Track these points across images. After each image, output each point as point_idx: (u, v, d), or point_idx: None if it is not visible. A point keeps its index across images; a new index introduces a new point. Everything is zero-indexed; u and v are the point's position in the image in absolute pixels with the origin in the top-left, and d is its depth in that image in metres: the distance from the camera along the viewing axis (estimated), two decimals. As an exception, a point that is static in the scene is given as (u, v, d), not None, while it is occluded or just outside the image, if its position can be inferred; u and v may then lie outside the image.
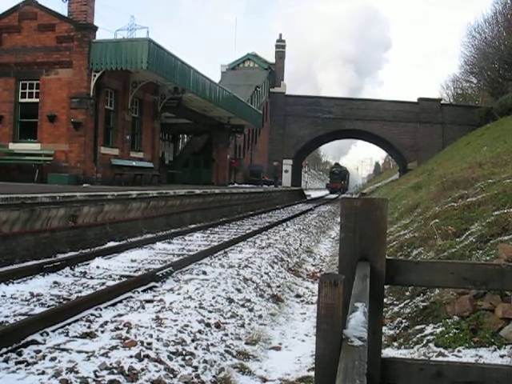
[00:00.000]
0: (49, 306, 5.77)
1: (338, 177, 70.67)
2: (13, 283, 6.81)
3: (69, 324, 5.09)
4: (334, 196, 57.18)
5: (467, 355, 4.18)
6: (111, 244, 10.73)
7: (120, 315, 5.49)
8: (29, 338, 4.52)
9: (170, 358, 4.31)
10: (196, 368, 4.29)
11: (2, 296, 6.14)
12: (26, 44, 17.96)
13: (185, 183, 27.33)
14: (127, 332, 4.73)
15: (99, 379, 3.78)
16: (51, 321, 4.94)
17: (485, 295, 4.67)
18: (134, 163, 20.24)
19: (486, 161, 13.86)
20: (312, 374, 4.33)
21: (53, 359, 4.11)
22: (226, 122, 30.66)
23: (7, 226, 8.60)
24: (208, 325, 5.31)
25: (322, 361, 1.74)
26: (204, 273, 7.98)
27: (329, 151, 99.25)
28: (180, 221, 15.82)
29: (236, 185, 33.54)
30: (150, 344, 4.46)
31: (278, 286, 7.97)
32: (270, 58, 49.41)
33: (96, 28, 17.76)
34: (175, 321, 5.16)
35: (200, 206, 17.73)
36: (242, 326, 5.71)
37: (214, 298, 6.28)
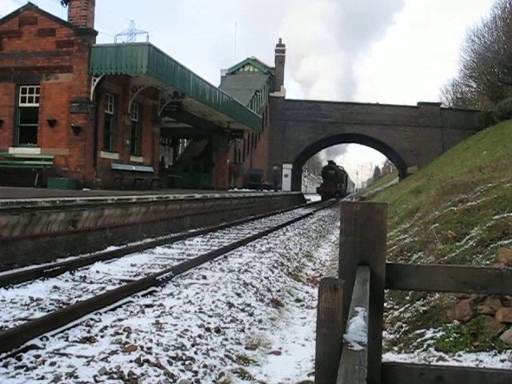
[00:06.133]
0: (48, 311, 5.76)
1: (334, 178, 54.31)
2: (12, 288, 6.80)
3: (68, 329, 5.08)
4: (333, 199, 52.90)
5: (468, 360, 4.17)
6: (111, 248, 10.72)
7: (120, 320, 5.48)
8: (28, 343, 4.51)
9: (170, 363, 4.30)
10: (196, 373, 4.28)
11: (2, 301, 6.13)
12: (26, 49, 17.99)
13: (185, 188, 27.32)
14: (127, 337, 4.72)
15: (99, 384, 3.77)
16: (51, 325, 4.93)
17: (485, 299, 4.66)
18: (133, 168, 20.25)
19: (486, 165, 13.87)
20: (312, 378, 4.32)
21: (52, 364, 4.10)
22: (225, 126, 30.69)
23: (7, 230, 8.60)
24: (208, 329, 5.30)
25: (322, 365, 1.74)
26: (204, 277, 7.98)
27: (322, 151, 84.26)
28: (180, 225, 15.82)
29: (236, 189, 33.53)
30: (149, 349, 4.45)
31: (278, 291, 7.96)
32: (270, 62, 49.54)
33: (96, 33, 17.80)
34: (175, 325, 5.15)
35: (200, 210, 17.73)
36: (242, 330, 5.71)
37: (213, 302, 6.27)
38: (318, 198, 56.96)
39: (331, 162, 58.96)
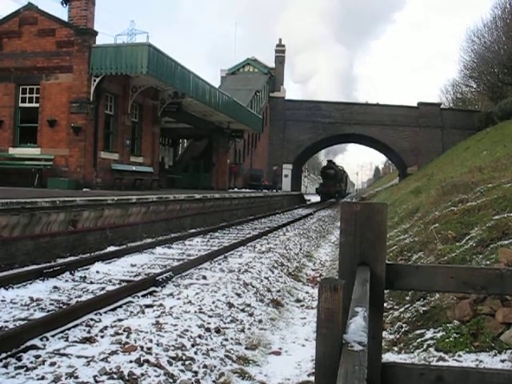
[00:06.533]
0: (48, 311, 5.76)
1: (334, 178, 52.20)
2: (12, 288, 6.80)
3: (68, 329, 5.08)
4: (333, 200, 51.89)
5: (468, 360, 4.17)
6: (111, 249, 10.72)
7: (120, 320, 5.48)
8: (28, 343, 4.51)
9: (170, 363, 4.30)
10: (196, 373, 4.28)
11: (2, 301, 6.14)
12: (26, 49, 17.99)
13: (185, 188, 27.32)
14: (127, 337, 4.72)
15: (99, 384, 3.77)
16: (51, 326, 4.93)
17: (485, 300, 4.66)
18: (133, 168, 20.25)
19: (486, 165, 13.87)
20: (312, 378, 4.32)
21: (52, 364, 4.10)
22: (225, 126, 30.69)
23: (7, 230, 8.60)
24: (208, 330, 5.30)
25: (322, 366, 1.74)
26: (204, 277, 7.97)
27: (322, 152, 79.83)
28: (180, 225, 15.81)
29: (236, 189, 33.53)
30: (149, 349, 4.45)
31: (278, 291, 7.96)
32: (270, 63, 49.53)
33: (96, 33, 17.80)
34: (175, 325, 5.15)
35: (200, 210, 17.73)
36: (242, 330, 5.70)
37: (213, 302, 6.27)
38: (317, 198, 55.98)
39: (330, 162, 56.80)
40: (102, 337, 4.87)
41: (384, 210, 2.36)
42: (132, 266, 9.11)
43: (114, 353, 4.31)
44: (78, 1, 17.51)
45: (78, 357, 4.29)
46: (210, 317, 5.72)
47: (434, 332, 4.87)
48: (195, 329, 5.19)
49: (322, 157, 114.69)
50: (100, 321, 5.49)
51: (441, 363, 4.14)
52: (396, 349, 4.99)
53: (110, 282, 7.64)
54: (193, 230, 15.31)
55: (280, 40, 50.18)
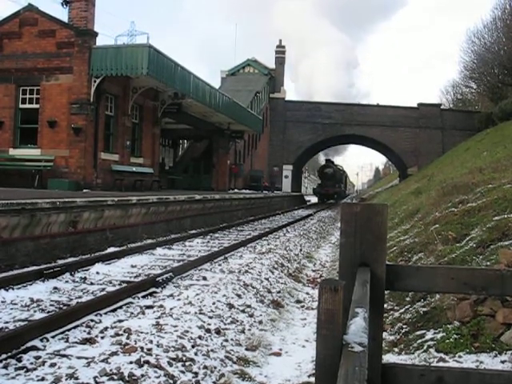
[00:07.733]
0: (49, 312, 5.76)
1: (332, 178, 49.44)
2: (13, 289, 6.80)
3: (69, 330, 5.08)
4: (332, 201, 50.22)
5: (468, 361, 4.17)
6: (111, 250, 10.72)
7: (120, 321, 5.48)
8: (28, 344, 4.51)
9: (170, 364, 4.29)
10: (196, 374, 4.28)
11: (2, 302, 6.14)
12: (27, 50, 18.01)
13: (185, 189, 27.33)
14: (127, 338, 4.71)
15: (99, 385, 3.76)
16: (51, 327, 4.93)
17: (485, 300, 4.66)
18: (134, 169, 20.25)
19: (486, 166, 13.86)
20: (312, 379, 4.32)
21: (52, 365, 4.10)
22: (226, 127, 30.69)
23: (7, 231, 8.60)
24: (208, 330, 5.29)
25: (323, 366, 1.74)
26: (204, 278, 7.98)
27: (322, 153, 74.88)
28: (180, 226, 15.81)
29: (236, 190, 33.52)
30: (150, 350, 4.45)
31: (279, 292, 7.96)
32: (270, 63, 49.52)
33: (96, 34, 17.82)
34: (175, 326, 5.15)
35: (200, 211, 17.73)
36: (243, 331, 5.70)
37: (214, 303, 6.27)
38: (317, 199, 54.55)
39: (329, 161, 53.86)
40: (102, 338, 4.87)
41: (384, 211, 2.36)
42: (132, 266, 9.11)
43: (114, 354, 4.31)
44: (78, 2, 17.54)
45: (79, 358, 4.29)
46: (211, 318, 5.71)
47: (435, 333, 4.87)
48: (195, 330, 5.18)
49: (322, 158, 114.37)
50: (100, 322, 5.49)
51: (441, 364, 4.14)
52: (396, 350, 4.99)
53: (110, 282, 7.64)
54: (193, 231, 15.31)
55: (280, 41, 50.12)
